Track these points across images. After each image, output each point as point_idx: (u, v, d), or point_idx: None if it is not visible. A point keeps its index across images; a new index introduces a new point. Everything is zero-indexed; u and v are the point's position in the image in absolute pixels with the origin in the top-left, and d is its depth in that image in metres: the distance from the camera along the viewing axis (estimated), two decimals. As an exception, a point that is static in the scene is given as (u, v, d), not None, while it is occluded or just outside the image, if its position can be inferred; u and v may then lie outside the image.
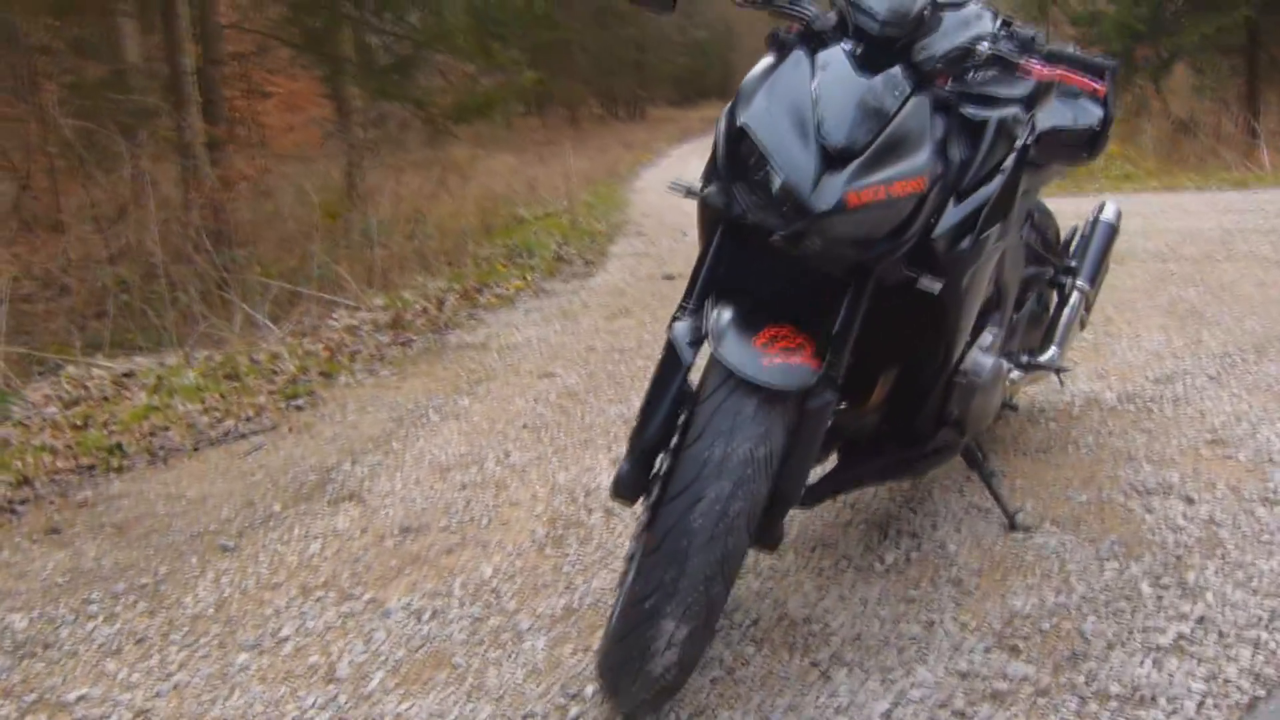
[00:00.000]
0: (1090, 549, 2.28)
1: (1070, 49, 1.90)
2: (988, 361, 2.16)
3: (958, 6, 2.00)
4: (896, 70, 1.72)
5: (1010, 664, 1.86)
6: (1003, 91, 1.91)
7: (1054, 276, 2.76)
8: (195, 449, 3.55)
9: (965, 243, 1.79)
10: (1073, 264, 2.81)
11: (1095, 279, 2.84)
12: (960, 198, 1.79)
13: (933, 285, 1.74)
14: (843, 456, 2.19)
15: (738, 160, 1.67)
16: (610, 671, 1.61)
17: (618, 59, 27.22)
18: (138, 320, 6.63)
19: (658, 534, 1.53)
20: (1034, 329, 2.76)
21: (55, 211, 8.74)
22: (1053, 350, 2.73)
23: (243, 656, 2.07)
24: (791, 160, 1.61)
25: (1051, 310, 2.81)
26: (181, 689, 1.96)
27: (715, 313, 1.70)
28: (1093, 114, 2.28)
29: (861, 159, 1.62)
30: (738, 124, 1.68)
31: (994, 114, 1.82)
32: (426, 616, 2.18)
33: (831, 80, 1.69)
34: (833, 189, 1.59)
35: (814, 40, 1.77)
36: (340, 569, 2.45)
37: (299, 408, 3.98)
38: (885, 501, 2.60)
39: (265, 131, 14.55)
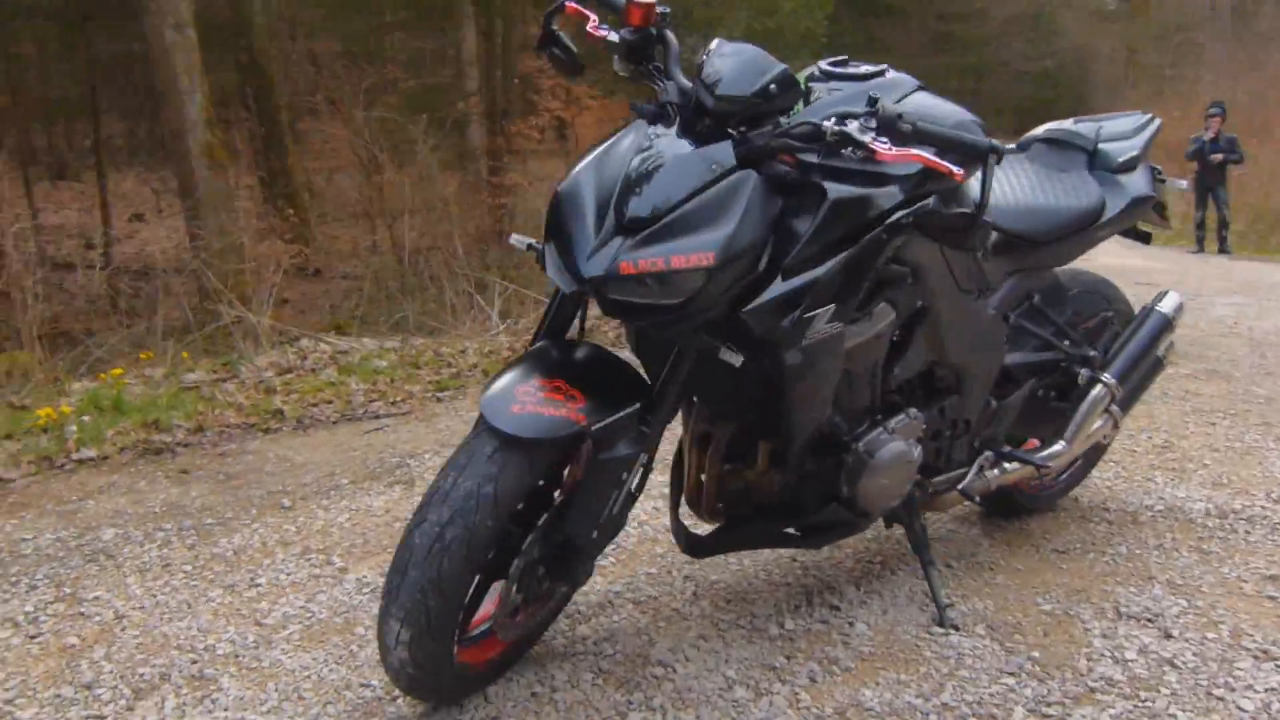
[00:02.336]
0: (1000, 660, 2.14)
1: (950, 127, 1.81)
2: (885, 443, 2.11)
3: (866, 78, 1.98)
4: (722, 146, 1.77)
5: (803, 748, 1.84)
6: (894, 170, 1.88)
7: (1067, 364, 2.55)
8: (334, 423, 4.14)
9: (787, 320, 1.80)
10: (1091, 353, 2.57)
11: (1127, 374, 2.57)
12: (788, 275, 1.80)
13: (733, 358, 1.78)
14: (733, 517, 2.22)
15: (553, 222, 1.81)
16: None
17: (952, 87, 26.39)
18: (391, 307, 7.60)
19: (398, 546, 1.73)
20: (1041, 419, 2.58)
21: (371, 204, 10.17)
22: (1057, 445, 2.53)
23: (216, 592, 2.50)
24: (577, 226, 1.73)
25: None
26: (157, 606, 2.42)
27: (519, 359, 1.85)
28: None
29: (649, 230, 1.69)
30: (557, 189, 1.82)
31: (831, 194, 1.80)
32: (368, 591, 2.49)
33: (652, 152, 1.77)
34: (606, 257, 1.69)
35: (668, 111, 1.86)
36: (343, 539, 2.83)
37: (439, 399, 4.48)
38: (838, 570, 2.56)
39: (578, 140, 15.98)
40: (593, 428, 1.75)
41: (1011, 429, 2.58)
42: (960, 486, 2.40)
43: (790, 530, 2.22)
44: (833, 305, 1.83)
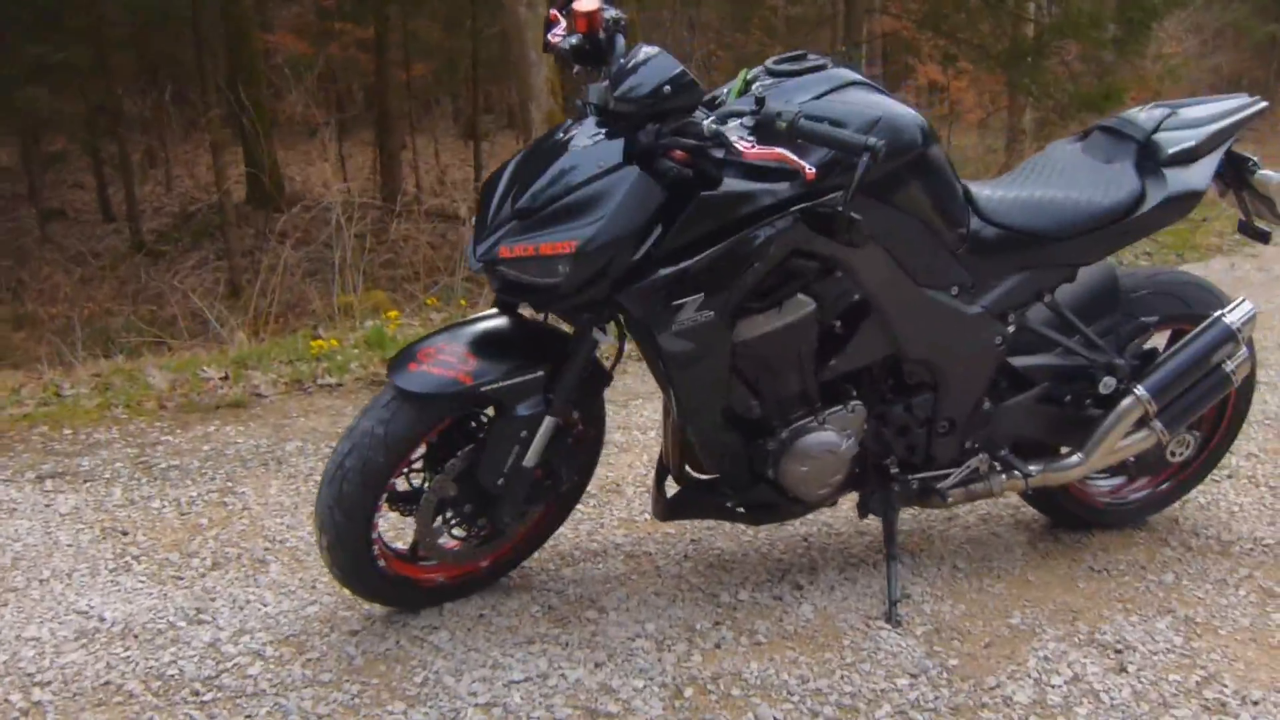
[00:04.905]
0: (911, 662, 2.12)
1: (868, 123, 1.85)
2: (812, 431, 2.16)
3: (803, 73, 2.03)
4: (613, 144, 1.94)
5: (640, 699, 2.01)
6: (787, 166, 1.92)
7: (1093, 372, 2.34)
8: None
9: (655, 305, 1.94)
10: (1118, 361, 2.32)
11: (1167, 388, 2.31)
12: (661, 264, 1.93)
13: (602, 336, 1.96)
14: (688, 485, 2.36)
15: (478, 207, 2.08)
16: None
17: None
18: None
19: (325, 469, 2.13)
20: (1071, 427, 2.40)
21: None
22: (1073, 458, 2.36)
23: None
24: (482, 214, 2.00)
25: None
26: (274, 506, 3.03)
27: (446, 325, 2.15)
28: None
29: (530, 218, 1.92)
30: None
31: (702, 190, 1.90)
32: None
33: (555, 147, 2.00)
34: (492, 242, 1.94)
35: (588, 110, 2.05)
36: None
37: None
38: (837, 555, 2.59)
39: (950, 105, 15.51)
40: (481, 388, 2.04)
41: (1038, 435, 2.44)
42: (939, 486, 2.34)
43: (736, 506, 2.32)
44: (701, 295, 1.94)
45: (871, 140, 1.78)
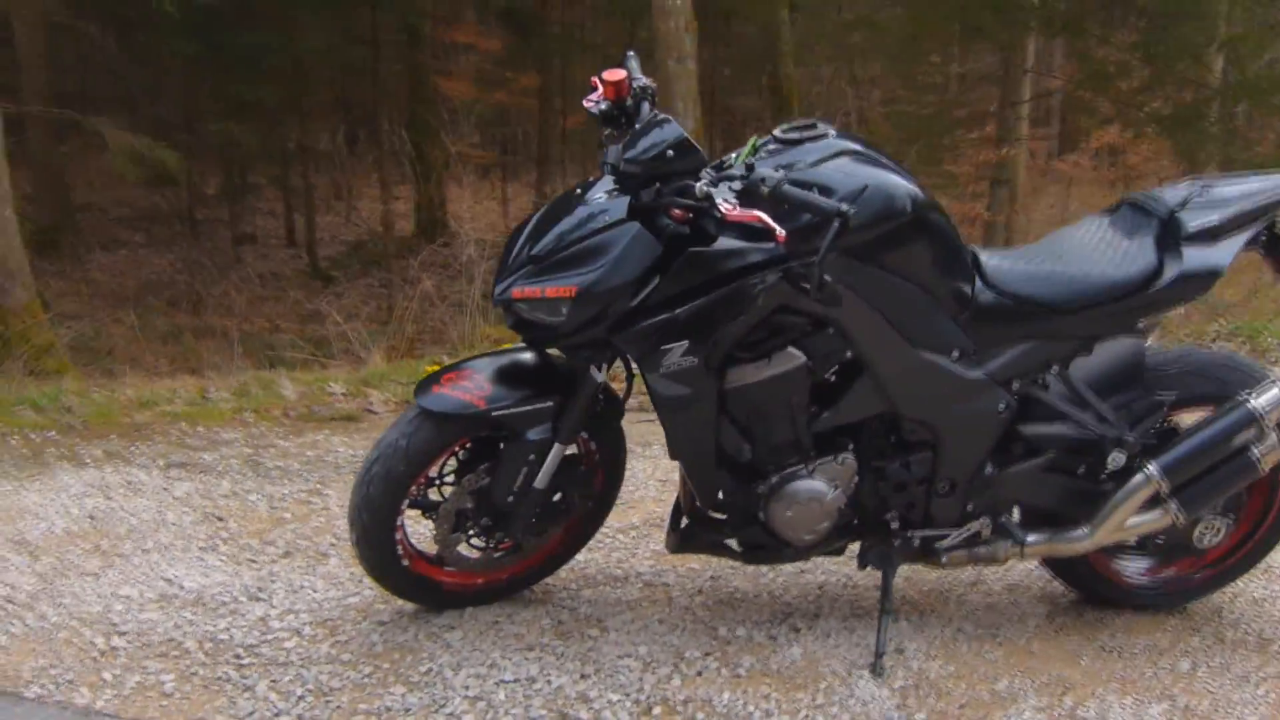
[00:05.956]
0: (879, 712, 2.18)
1: (813, 191, 1.95)
2: (800, 478, 2.27)
3: (802, 142, 2.18)
4: (620, 201, 2.14)
5: (610, 711, 2.16)
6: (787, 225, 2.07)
7: (1103, 445, 2.33)
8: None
9: (647, 349, 2.12)
10: (1128, 436, 2.30)
11: (1180, 468, 2.27)
12: (652, 312, 2.11)
13: (596, 375, 2.15)
14: (693, 520, 2.49)
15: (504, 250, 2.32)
16: None
17: None
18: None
19: (359, 475, 2.39)
20: (1082, 498, 2.39)
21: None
22: (1078, 531, 2.36)
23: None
24: (504, 258, 2.23)
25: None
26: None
27: (474, 356, 2.39)
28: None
29: (541, 264, 2.15)
30: None
31: (692, 246, 2.07)
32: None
33: (572, 201, 2.22)
34: (508, 283, 2.17)
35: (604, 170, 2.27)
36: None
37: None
38: (846, 604, 2.65)
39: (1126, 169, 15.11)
40: (493, 413, 2.26)
41: (1046, 504, 2.45)
42: (938, 546, 2.39)
43: (733, 544, 2.44)
44: (686, 342, 2.11)
45: (843, 206, 1.91)
